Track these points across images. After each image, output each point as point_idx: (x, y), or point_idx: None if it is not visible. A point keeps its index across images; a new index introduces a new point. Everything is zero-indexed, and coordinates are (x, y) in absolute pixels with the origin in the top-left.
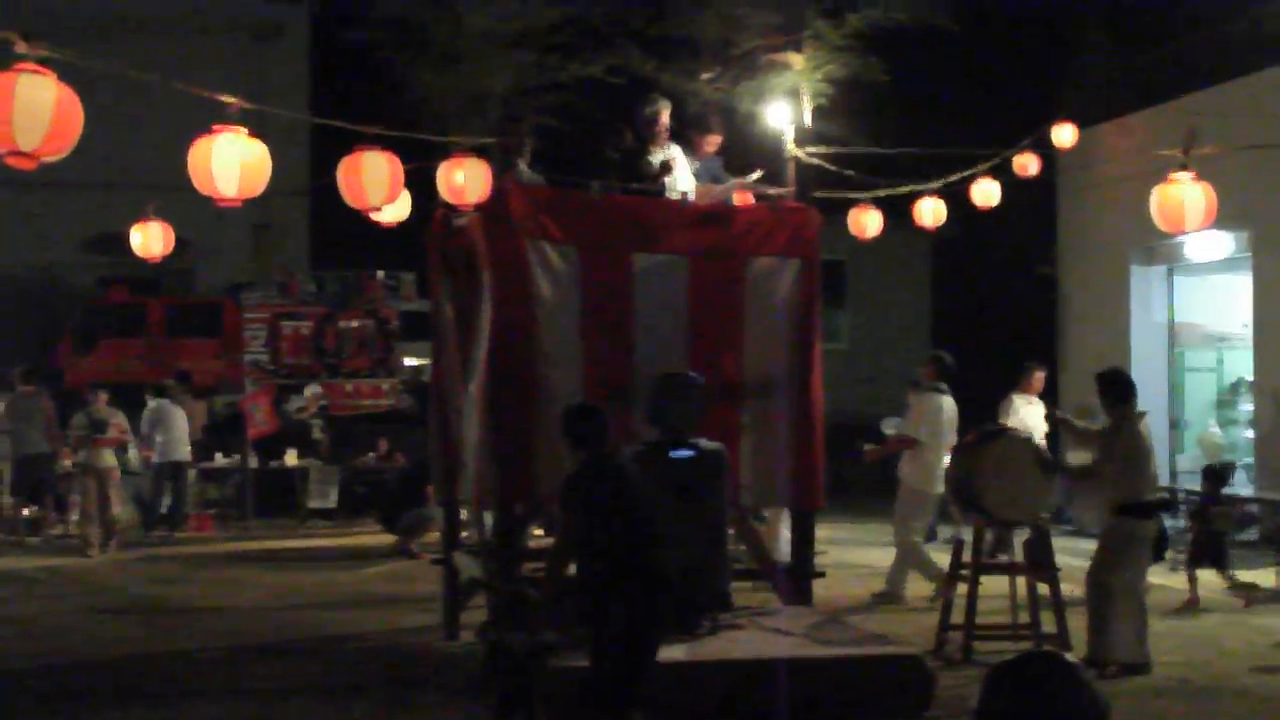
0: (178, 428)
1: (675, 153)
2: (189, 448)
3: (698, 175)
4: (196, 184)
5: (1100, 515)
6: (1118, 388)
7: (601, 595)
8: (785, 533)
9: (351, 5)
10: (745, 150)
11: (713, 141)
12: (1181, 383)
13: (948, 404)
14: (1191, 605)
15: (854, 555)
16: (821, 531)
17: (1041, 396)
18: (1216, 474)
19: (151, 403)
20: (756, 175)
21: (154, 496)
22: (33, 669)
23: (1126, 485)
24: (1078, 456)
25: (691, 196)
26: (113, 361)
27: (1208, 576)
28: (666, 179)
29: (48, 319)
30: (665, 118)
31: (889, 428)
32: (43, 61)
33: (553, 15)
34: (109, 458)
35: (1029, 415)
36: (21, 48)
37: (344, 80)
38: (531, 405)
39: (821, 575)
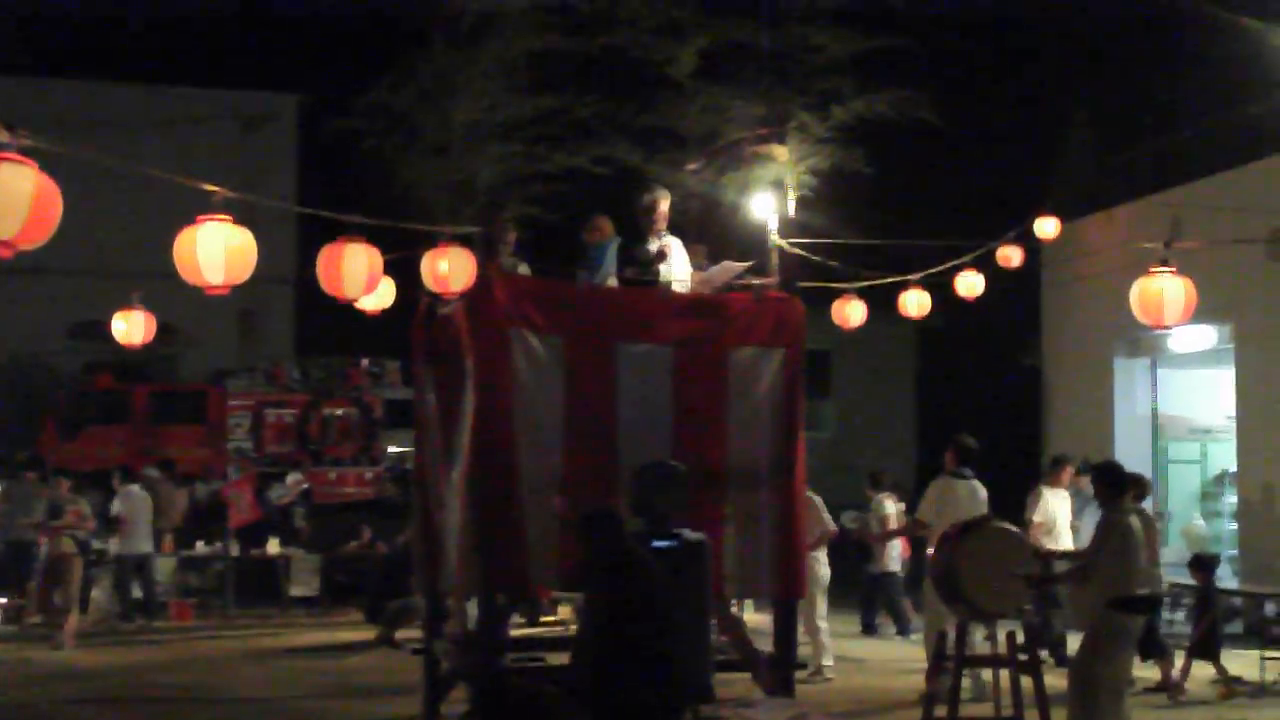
0: (143, 518)
1: (671, 241)
2: (151, 538)
3: None
4: (182, 273)
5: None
6: (1110, 479)
7: (619, 685)
8: None
9: (340, 94)
10: (729, 240)
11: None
12: (1165, 474)
13: (965, 488)
14: (1175, 691)
15: (846, 647)
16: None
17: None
18: (1207, 563)
19: (121, 489)
20: (747, 265)
21: (120, 586)
22: None
23: (1115, 579)
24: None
25: (686, 284)
26: (97, 448)
27: (1198, 668)
28: (661, 267)
29: (33, 405)
30: (664, 206)
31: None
32: (25, 151)
33: (539, 107)
34: (65, 544)
35: (1057, 508)
36: (3, 136)
37: (332, 168)
38: (513, 495)
39: (803, 666)
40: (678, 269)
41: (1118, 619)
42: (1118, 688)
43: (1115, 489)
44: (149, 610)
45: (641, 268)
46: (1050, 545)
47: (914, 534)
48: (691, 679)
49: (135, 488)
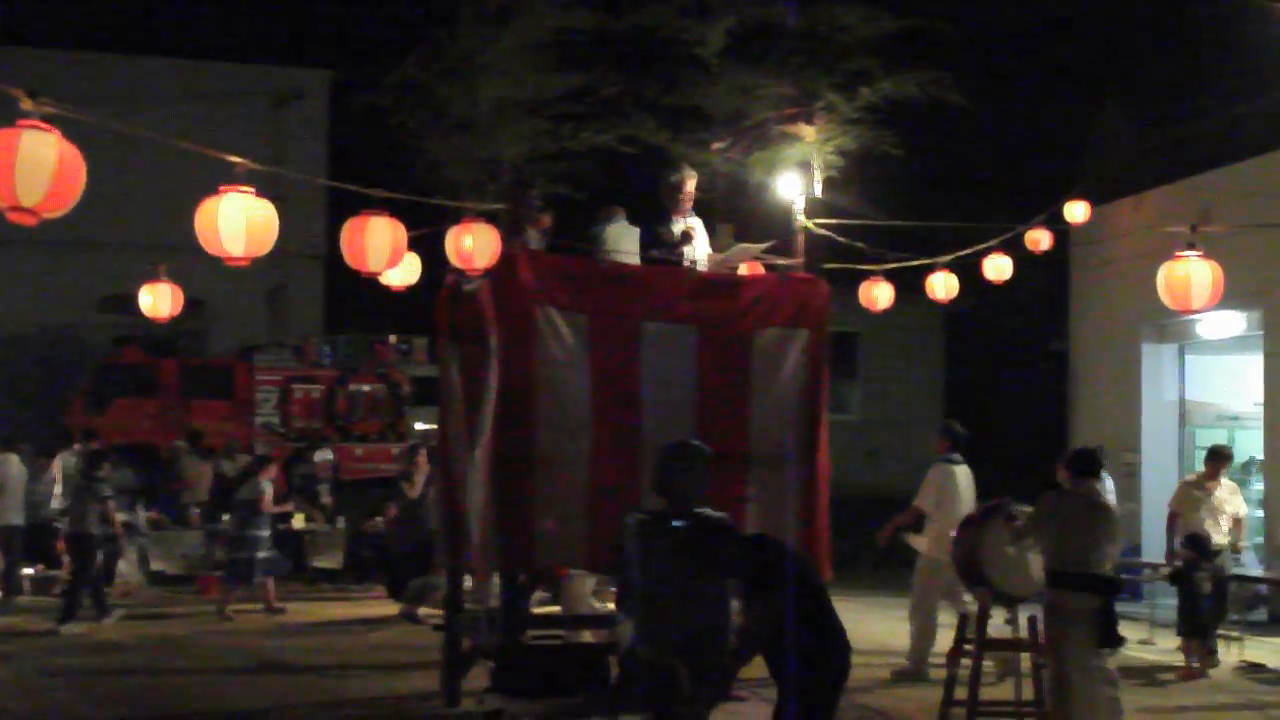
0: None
1: (696, 222)
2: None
3: None
4: (203, 244)
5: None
6: (1077, 463)
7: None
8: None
9: (369, 70)
10: (755, 221)
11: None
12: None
13: (960, 473)
14: (1190, 677)
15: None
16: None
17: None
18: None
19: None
20: (767, 244)
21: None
22: None
23: (1049, 553)
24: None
25: (706, 266)
26: (125, 421)
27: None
28: (685, 248)
29: (62, 378)
30: (690, 186)
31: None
32: (48, 120)
33: (566, 84)
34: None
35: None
36: (27, 105)
37: (362, 145)
38: (535, 472)
39: None
40: (700, 250)
41: (1050, 593)
42: (1084, 666)
43: (1071, 468)
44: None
45: (667, 248)
46: None
47: (909, 523)
48: (711, 660)
49: (12, 456)
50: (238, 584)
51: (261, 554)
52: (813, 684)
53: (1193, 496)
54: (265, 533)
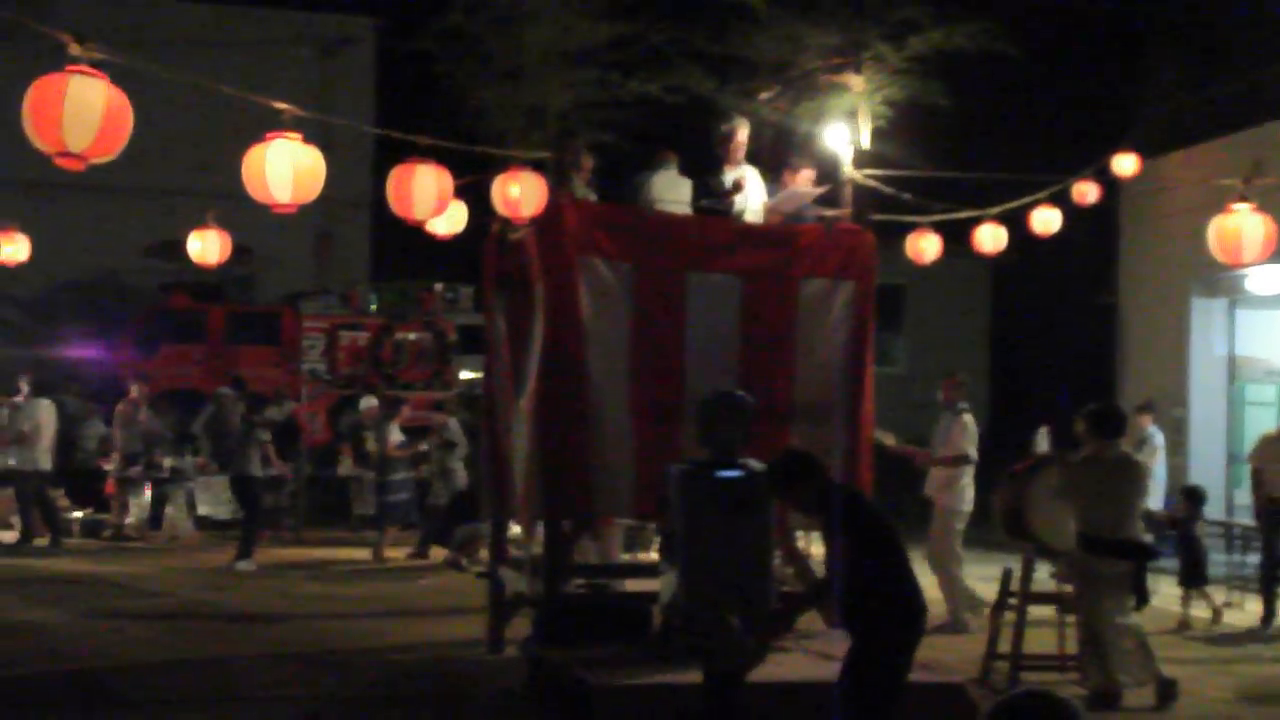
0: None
1: (748, 172)
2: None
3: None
4: (250, 190)
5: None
6: (1093, 422)
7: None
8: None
9: (416, 18)
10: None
11: (806, 177)
12: (1241, 417)
13: (971, 421)
14: (1183, 627)
15: None
16: None
17: None
18: (1196, 494)
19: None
20: (820, 190)
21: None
22: (62, 672)
23: (1082, 518)
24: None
25: (759, 216)
26: (173, 367)
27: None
28: (736, 198)
29: (111, 323)
30: (741, 136)
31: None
32: (96, 65)
33: (613, 33)
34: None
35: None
36: (75, 50)
37: (410, 93)
38: (580, 421)
39: None
40: (754, 199)
41: (1081, 557)
42: (1115, 625)
43: (1097, 430)
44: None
45: (716, 199)
46: None
47: (921, 462)
48: (755, 608)
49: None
50: (389, 527)
51: (402, 496)
52: (889, 629)
53: (1275, 450)
54: (401, 475)
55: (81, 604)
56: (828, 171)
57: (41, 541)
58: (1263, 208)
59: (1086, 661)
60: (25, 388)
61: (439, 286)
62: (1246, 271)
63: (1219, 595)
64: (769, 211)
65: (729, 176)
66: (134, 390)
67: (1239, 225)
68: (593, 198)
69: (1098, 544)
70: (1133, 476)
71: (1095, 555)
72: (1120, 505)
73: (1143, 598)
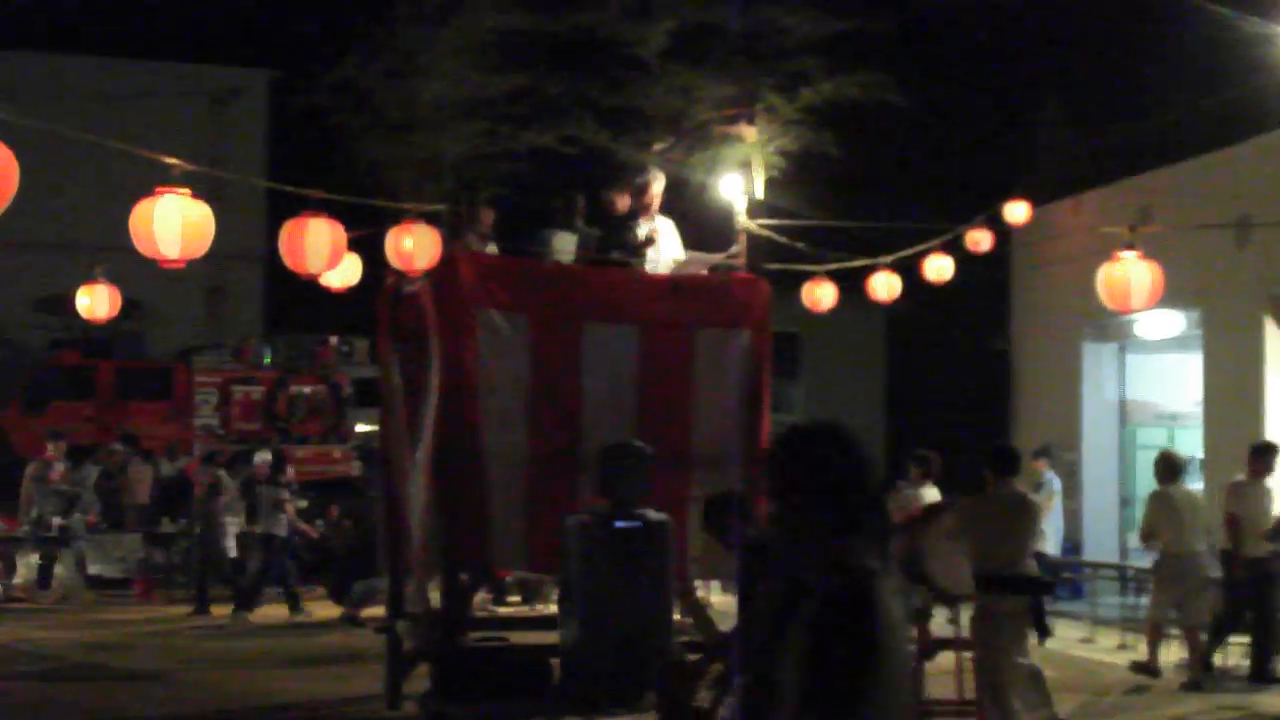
0: None
1: (661, 225)
2: None
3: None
4: (138, 245)
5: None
6: (998, 462)
7: None
8: None
9: (309, 70)
10: (697, 222)
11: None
12: (1133, 460)
13: (931, 496)
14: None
15: None
16: None
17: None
18: None
19: None
20: (735, 249)
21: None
22: None
23: (977, 556)
24: None
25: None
26: (62, 423)
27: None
28: (649, 251)
29: None
30: (656, 188)
31: None
32: None
33: (506, 85)
34: None
35: None
36: None
37: (301, 145)
38: (476, 473)
39: None
40: (666, 252)
41: (980, 597)
42: (1014, 664)
43: (994, 469)
44: None
45: (630, 251)
46: None
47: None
48: (654, 656)
49: None
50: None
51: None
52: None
53: (1251, 497)
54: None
55: None
56: (720, 219)
57: None
58: (1149, 254)
59: (985, 702)
60: None
61: (334, 339)
62: (1136, 316)
63: (1113, 639)
64: (681, 270)
65: (643, 229)
66: (50, 448)
67: (1126, 273)
68: (493, 250)
69: (994, 581)
70: (1028, 514)
71: (992, 593)
72: (1016, 541)
73: (1044, 632)
